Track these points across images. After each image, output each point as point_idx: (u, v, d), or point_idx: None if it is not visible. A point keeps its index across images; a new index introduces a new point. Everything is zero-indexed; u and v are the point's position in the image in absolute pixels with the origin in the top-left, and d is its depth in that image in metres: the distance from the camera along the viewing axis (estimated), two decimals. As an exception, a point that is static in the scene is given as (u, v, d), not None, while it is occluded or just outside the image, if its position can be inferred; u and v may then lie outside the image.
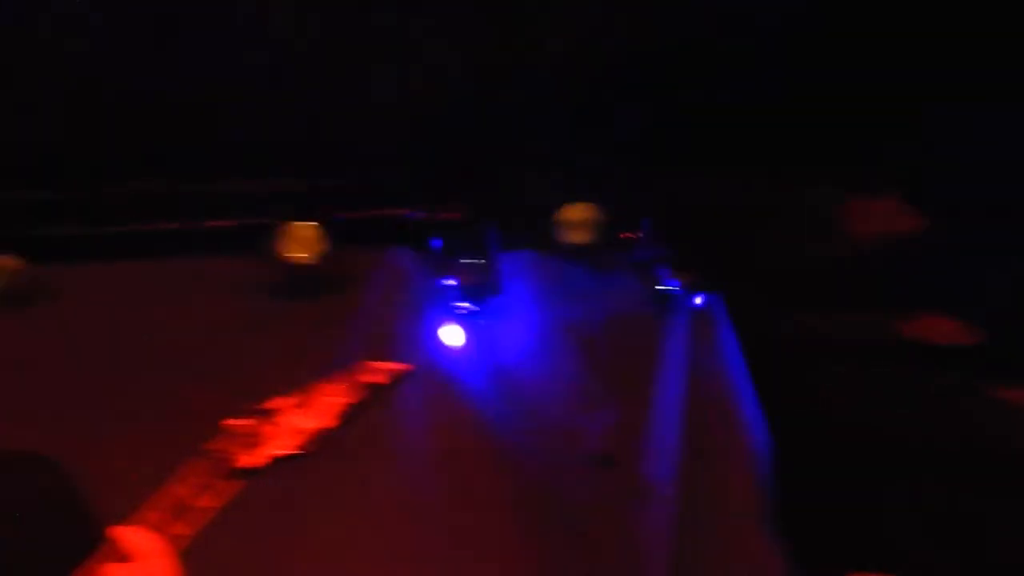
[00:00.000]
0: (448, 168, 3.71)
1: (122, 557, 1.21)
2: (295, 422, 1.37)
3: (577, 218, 3.58)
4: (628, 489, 3.64)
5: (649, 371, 3.82)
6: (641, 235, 3.66)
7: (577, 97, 3.18)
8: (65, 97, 3.02)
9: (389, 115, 3.31)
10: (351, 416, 1.41)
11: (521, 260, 3.89)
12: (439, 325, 3.65)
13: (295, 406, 1.38)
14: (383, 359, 1.47)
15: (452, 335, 3.66)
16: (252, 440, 1.35)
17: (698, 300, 3.87)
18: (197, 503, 1.29)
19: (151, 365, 3.39)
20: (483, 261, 3.76)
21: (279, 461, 1.37)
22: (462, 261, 3.73)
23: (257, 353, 3.33)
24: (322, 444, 1.40)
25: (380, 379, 1.43)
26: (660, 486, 3.67)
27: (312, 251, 3.63)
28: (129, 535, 1.22)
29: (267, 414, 1.37)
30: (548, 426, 3.68)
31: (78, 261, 3.51)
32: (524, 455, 3.64)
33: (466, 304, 3.69)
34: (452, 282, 3.70)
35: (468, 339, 3.69)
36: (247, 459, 1.34)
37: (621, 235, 3.63)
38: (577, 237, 3.60)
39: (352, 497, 3.37)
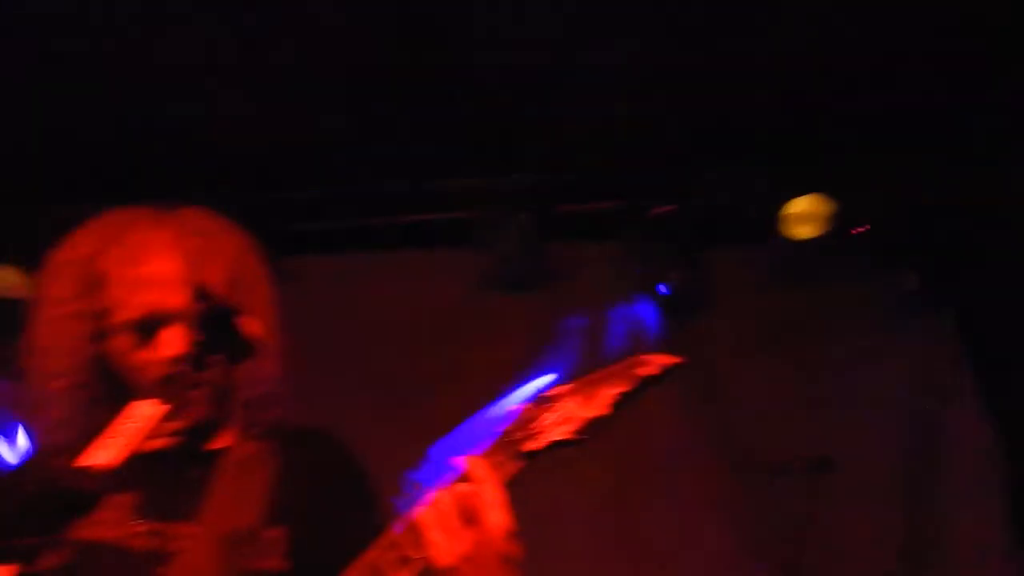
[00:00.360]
0: (665, 161, 3.67)
1: (463, 479, 1.34)
2: (572, 410, 1.40)
3: (805, 211, 3.43)
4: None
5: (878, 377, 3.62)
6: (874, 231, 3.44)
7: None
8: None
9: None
10: (622, 405, 1.42)
11: (739, 257, 3.79)
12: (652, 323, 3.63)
13: (571, 393, 1.41)
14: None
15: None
16: (534, 425, 1.39)
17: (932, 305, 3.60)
18: None
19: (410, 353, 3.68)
20: (696, 260, 3.70)
21: (557, 445, 1.41)
22: (675, 257, 3.69)
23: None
24: (595, 432, 1.42)
25: (652, 370, 1.44)
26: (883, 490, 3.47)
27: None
28: (467, 462, 1.35)
29: (547, 401, 1.40)
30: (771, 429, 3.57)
31: (329, 252, 3.82)
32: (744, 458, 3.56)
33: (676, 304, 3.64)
34: (666, 280, 3.66)
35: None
36: (530, 444, 1.38)
37: (853, 231, 3.43)
38: (804, 231, 3.45)
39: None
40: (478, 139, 3.57)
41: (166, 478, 1.58)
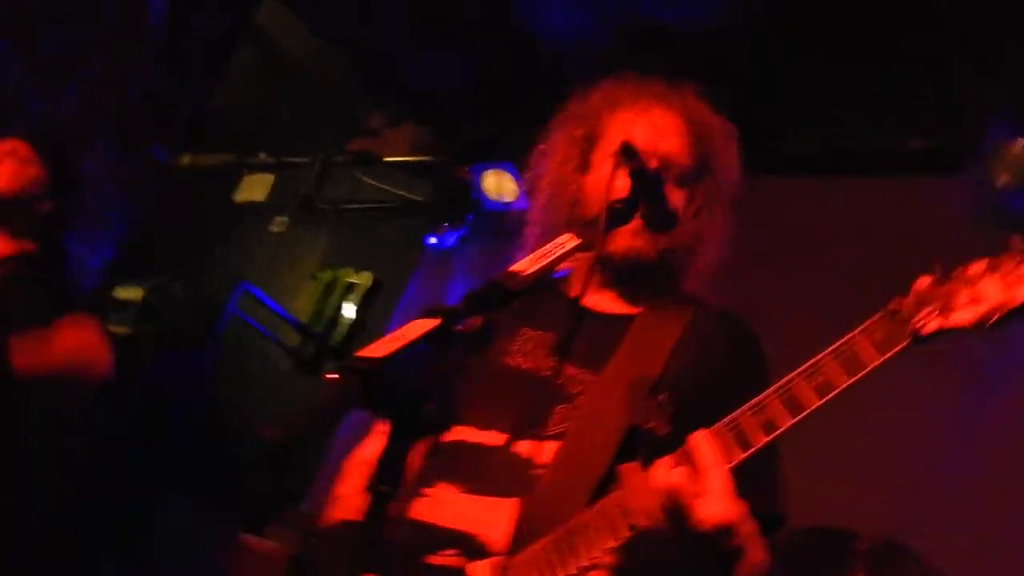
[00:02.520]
0: None
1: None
2: (989, 292, 1.23)
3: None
4: None
5: None
6: None
7: None
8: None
9: None
10: None
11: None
12: None
13: (987, 271, 1.24)
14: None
15: None
16: (936, 303, 1.26)
17: None
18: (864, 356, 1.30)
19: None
20: None
21: (958, 333, 1.26)
22: None
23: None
24: (1005, 322, 1.24)
25: None
26: None
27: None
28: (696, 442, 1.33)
29: (962, 278, 1.26)
30: None
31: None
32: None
33: None
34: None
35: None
36: (927, 324, 1.26)
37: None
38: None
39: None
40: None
41: (588, 329, 1.76)
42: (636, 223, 1.70)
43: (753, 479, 1.56)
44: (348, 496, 1.76)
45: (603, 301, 1.83)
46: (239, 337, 4.84)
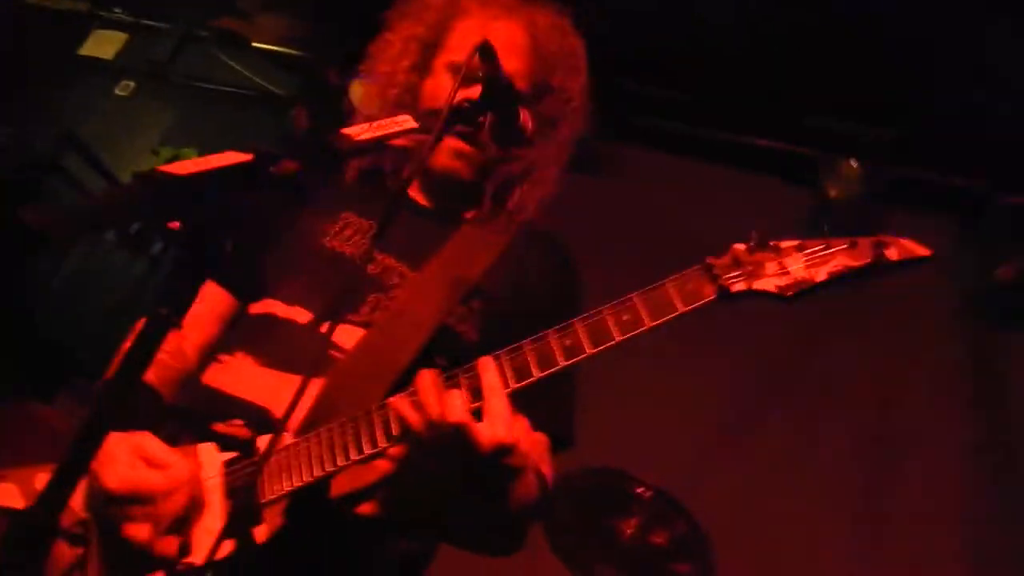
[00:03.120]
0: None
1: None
2: (793, 266, 1.34)
3: None
4: None
5: None
6: None
7: None
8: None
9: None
10: (844, 280, 1.33)
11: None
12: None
13: (795, 249, 1.34)
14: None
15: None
16: (748, 267, 1.35)
17: None
18: (671, 302, 1.38)
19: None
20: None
21: (761, 295, 1.35)
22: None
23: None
24: (802, 296, 1.35)
25: (897, 255, 1.32)
26: None
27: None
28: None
29: (772, 249, 1.35)
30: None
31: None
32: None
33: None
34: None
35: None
36: (736, 283, 1.34)
37: None
38: None
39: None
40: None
41: (411, 225, 1.75)
42: (457, 143, 1.71)
43: (549, 397, 1.62)
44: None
45: (428, 202, 1.84)
46: (60, 197, 4.51)
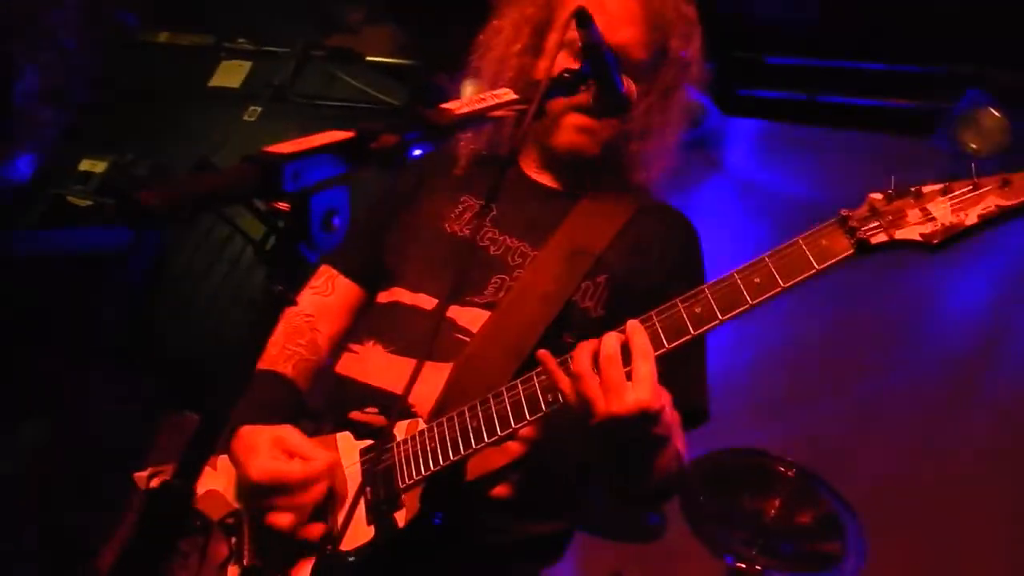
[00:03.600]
0: None
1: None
2: (940, 212, 1.25)
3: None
4: None
5: None
6: None
7: None
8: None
9: None
10: (998, 221, 1.23)
11: None
12: None
13: (940, 193, 1.26)
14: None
15: None
16: (893, 219, 1.27)
17: None
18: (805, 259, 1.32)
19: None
20: None
21: (905, 246, 1.27)
22: None
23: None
24: (951, 243, 1.26)
25: None
26: None
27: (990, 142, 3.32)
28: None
29: (916, 195, 1.27)
30: None
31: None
32: None
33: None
34: None
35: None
36: (876, 234, 1.28)
37: None
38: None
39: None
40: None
41: (532, 204, 1.75)
42: (579, 118, 1.68)
43: (680, 372, 1.58)
44: (269, 346, 1.76)
45: (548, 180, 1.83)
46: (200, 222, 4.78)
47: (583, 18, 1.44)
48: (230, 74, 5.21)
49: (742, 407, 3.03)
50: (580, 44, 1.48)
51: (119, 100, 4.77)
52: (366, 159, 1.02)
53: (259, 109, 4.90)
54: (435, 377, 1.57)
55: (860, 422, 3.31)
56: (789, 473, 2.75)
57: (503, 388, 1.47)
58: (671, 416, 1.45)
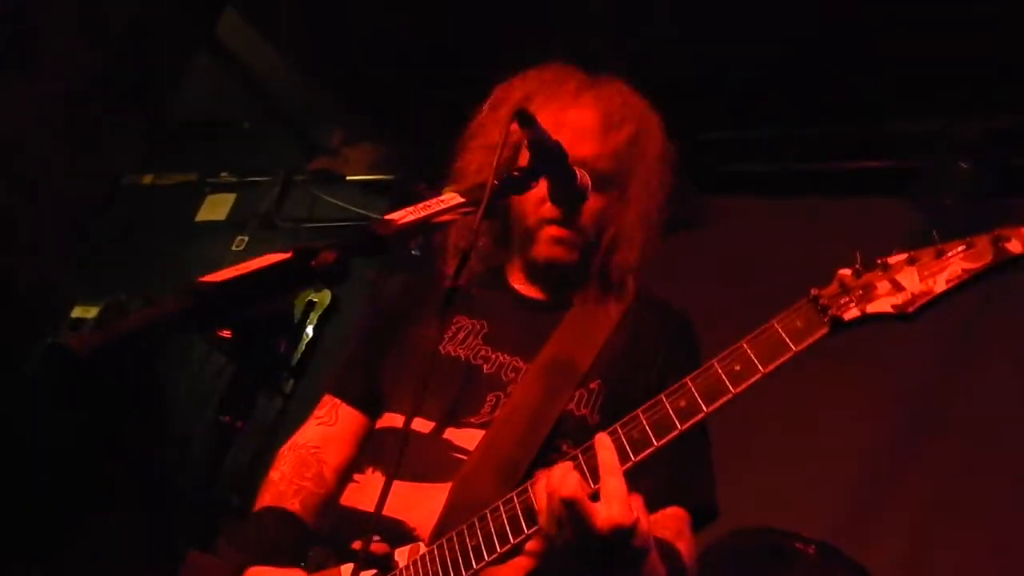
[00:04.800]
0: None
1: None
2: (909, 280, 1.25)
3: None
4: None
5: None
6: None
7: None
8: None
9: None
10: (966, 285, 1.23)
11: None
12: None
13: (906, 263, 1.25)
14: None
15: None
16: (863, 294, 1.27)
17: None
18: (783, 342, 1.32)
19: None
20: None
21: (877, 319, 1.27)
22: None
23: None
24: (924, 311, 1.26)
25: (1016, 247, 1.21)
26: None
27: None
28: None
29: (881, 267, 1.27)
30: None
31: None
32: None
33: None
34: None
35: None
36: (847, 310, 1.28)
37: None
38: None
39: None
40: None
41: (521, 318, 1.76)
42: (554, 229, 1.72)
43: (684, 469, 1.54)
44: (277, 481, 1.77)
45: (534, 293, 1.84)
46: (196, 350, 4.79)
47: (524, 118, 1.47)
48: (216, 207, 5.32)
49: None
50: (527, 142, 1.51)
51: (107, 243, 4.84)
52: (306, 279, 1.02)
53: (246, 238, 4.98)
54: (436, 498, 1.55)
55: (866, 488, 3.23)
56: (809, 550, 2.66)
57: (500, 503, 1.44)
58: (650, 523, 1.41)
